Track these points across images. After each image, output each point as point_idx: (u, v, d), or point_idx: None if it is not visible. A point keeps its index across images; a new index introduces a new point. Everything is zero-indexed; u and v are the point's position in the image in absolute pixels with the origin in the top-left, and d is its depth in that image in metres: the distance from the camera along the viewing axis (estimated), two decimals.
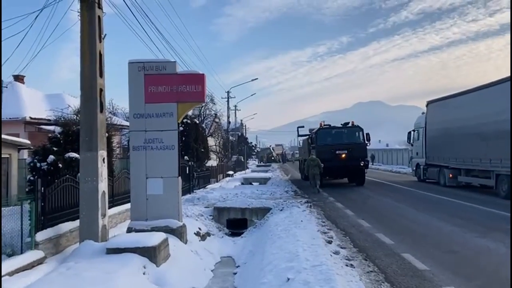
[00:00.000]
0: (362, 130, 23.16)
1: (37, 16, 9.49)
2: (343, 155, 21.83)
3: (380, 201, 16.75)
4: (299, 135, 30.35)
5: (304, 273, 6.50)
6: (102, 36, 9.03)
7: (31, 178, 10.73)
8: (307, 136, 28.04)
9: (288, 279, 6.40)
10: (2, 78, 9.03)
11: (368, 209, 14.45)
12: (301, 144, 34.95)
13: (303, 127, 29.86)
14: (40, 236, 8.26)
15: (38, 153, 11.74)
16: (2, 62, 8.51)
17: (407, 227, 11.05)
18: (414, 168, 26.64)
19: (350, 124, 23.85)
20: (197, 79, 10.07)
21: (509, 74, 15.36)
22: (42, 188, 8.62)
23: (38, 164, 11.31)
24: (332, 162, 21.64)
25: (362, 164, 22.09)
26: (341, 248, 8.63)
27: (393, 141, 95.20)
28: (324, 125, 24.43)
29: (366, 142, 23.10)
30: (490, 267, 7.22)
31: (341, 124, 24.55)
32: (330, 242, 9.04)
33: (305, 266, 6.86)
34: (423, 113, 25.27)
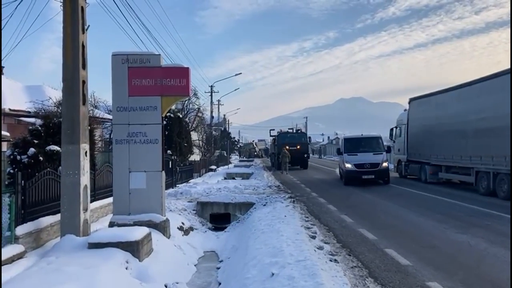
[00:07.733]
0: (306, 134, 39.70)
1: (18, 5, 9.30)
2: (294, 150, 33.56)
3: (362, 196, 16.88)
4: (270, 136, 43.80)
5: (289, 268, 6.51)
6: (85, 27, 8.86)
7: (11, 171, 10.49)
8: (274, 137, 41.50)
9: (273, 274, 6.40)
10: None
11: (350, 204, 14.55)
12: (270, 142, 50.70)
13: (274, 129, 42.90)
14: (20, 230, 8.11)
15: (18, 146, 11.47)
16: None
17: (390, 222, 11.15)
18: (396, 164, 26.91)
19: (300, 131, 39.98)
20: (182, 73, 9.99)
21: (486, 74, 15.61)
22: (23, 181, 8.46)
23: (18, 157, 11.05)
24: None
25: (305, 156, 36.27)
26: (325, 243, 8.67)
27: None
28: (286, 130, 40.23)
29: (308, 142, 39.12)
30: (471, 262, 7.33)
31: (295, 131, 39.59)
32: (313, 237, 9.07)
33: (289, 261, 6.86)
34: (405, 110, 25.48)
